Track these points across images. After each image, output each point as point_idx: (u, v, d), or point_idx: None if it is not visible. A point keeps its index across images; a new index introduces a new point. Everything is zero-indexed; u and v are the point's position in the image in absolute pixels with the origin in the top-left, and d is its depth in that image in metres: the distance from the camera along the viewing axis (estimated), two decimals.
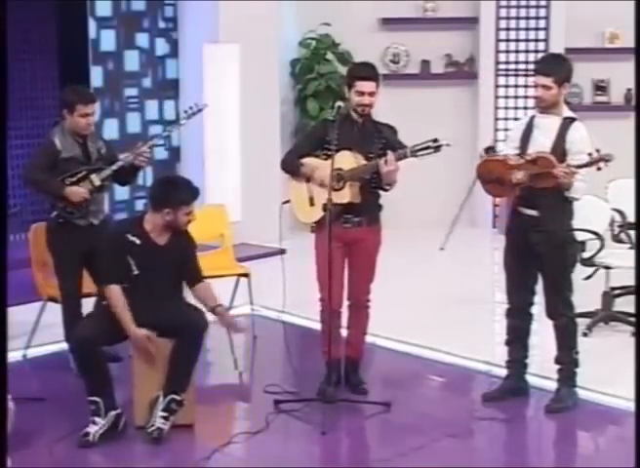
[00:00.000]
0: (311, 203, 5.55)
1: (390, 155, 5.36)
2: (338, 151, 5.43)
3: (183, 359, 5.15)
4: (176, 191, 5.23)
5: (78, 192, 5.82)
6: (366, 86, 5.48)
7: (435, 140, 5.38)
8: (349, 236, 5.55)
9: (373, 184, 5.56)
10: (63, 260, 5.92)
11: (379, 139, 5.54)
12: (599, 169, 5.07)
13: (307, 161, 5.57)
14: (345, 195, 5.47)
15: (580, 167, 5.11)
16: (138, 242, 5.20)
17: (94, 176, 5.85)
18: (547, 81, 5.28)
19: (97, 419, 5.03)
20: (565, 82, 5.32)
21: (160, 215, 5.19)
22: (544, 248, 5.36)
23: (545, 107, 5.36)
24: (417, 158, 5.41)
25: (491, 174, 5.42)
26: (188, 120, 6.21)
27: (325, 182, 5.38)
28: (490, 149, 5.70)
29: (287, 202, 5.68)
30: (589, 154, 5.07)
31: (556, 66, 5.39)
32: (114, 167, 5.87)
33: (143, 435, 5.08)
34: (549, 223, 5.34)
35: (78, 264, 5.89)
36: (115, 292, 5.14)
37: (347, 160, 5.45)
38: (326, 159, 5.46)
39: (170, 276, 5.28)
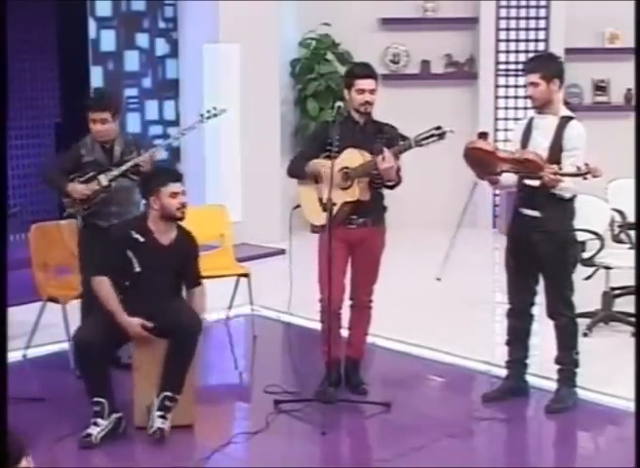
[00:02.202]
0: (322, 204, 5.53)
1: (387, 152, 5.35)
2: (342, 150, 5.43)
3: (177, 360, 5.13)
4: (151, 178, 5.34)
5: (79, 189, 5.85)
6: (366, 83, 5.50)
7: (438, 128, 5.39)
8: (353, 237, 5.55)
9: (378, 183, 5.56)
10: (85, 261, 5.93)
11: (380, 139, 5.54)
12: (585, 179, 5.07)
13: (313, 162, 5.56)
14: (354, 193, 5.46)
15: (566, 175, 5.11)
16: (141, 239, 5.20)
17: (102, 177, 5.88)
18: (535, 78, 5.31)
19: (99, 421, 5.01)
20: (554, 78, 5.33)
21: (151, 207, 5.23)
22: (546, 248, 5.36)
23: (539, 106, 5.37)
24: (422, 146, 5.41)
25: (479, 160, 5.38)
26: (201, 123, 6.25)
27: (334, 182, 5.38)
28: (483, 135, 5.71)
29: (297, 207, 5.67)
30: (578, 168, 5.06)
31: (542, 63, 5.44)
32: (123, 167, 5.88)
33: (146, 435, 5.07)
34: (551, 224, 5.34)
35: None
36: (104, 283, 5.15)
37: (354, 157, 5.45)
38: (329, 159, 5.47)
39: (171, 276, 5.29)
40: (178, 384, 5.14)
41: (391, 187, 5.56)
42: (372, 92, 5.51)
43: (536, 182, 5.30)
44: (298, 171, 5.65)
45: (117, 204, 5.94)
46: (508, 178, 5.43)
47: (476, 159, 5.37)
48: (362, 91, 5.50)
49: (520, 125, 5.62)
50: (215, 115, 6.20)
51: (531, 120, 5.50)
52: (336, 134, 5.45)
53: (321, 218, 5.49)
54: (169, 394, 5.10)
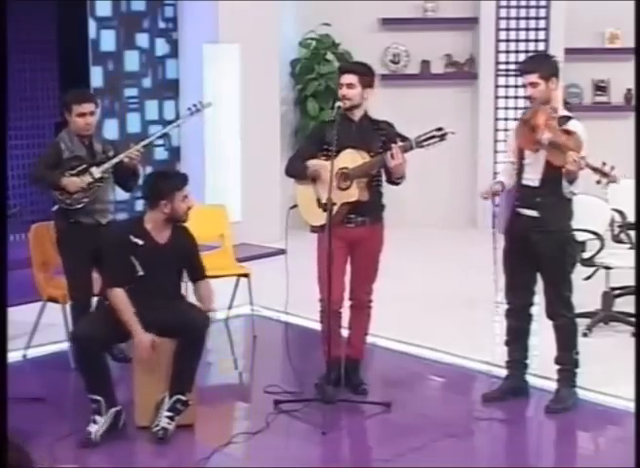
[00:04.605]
0: (319, 205, 5.54)
1: (396, 147, 5.37)
2: (340, 151, 5.44)
3: (187, 359, 5.15)
4: (165, 181, 5.28)
5: (74, 182, 5.86)
6: (343, 78, 5.56)
7: (440, 129, 5.40)
8: (352, 236, 5.54)
9: (376, 182, 5.57)
10: (71, 260, 5.93)
11: (378, 136, 5.56)
12: (598, 182, 5.05)
13: (312, 163, 5.57)
14: (353, 194, 5.47)
15: (589, 166, 5.06)
16: (140, 243, 5.20)
17: (94, 169, 5.90)
18: (533, 77, 5.31)
19: (97, 418, 5.02)
20: (552, 77, 5.34)
21: (159, 210, 5.20)
22: (545, 248, 5.36)
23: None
24: (423, 148, 5.41)
25: (533, 119, 5.28)
26: (191, 116, 6.30)
27: (333, 183, 5.39)
28: None
29: (294, 207, 5.67)
30: (604, 163, 5.03)
31: (540, 63, 5.46)
32: (115, 160, 5.91)
33: (148, 435, 5.08)
34: (550, 224, 5.34)
35: (86, 264, 5.89)
36: (120, 295, 5.12)
37: (351, 158, 5.45)
38: (327, 159, 5.47)
39: (171, 274, 5.29)
40: (189, 383, 5.17)
41: (397, 183, 5.57)
42: (349, 86, 5.53)
43: (535, 182, 5.30)
44: (295, 171, 5.66)
45: (99, 201, 5.97)
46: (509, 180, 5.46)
47: (531, 120, 5.29)
48: (340, 85, 5.56)
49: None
50: (202, 108, 6.24)
51: None
52: (333, 133, 5.47)
53: (318, 219, 5.50)
54: (182, 397, 5.12)
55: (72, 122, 5.91)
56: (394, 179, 5.54)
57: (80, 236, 5.85)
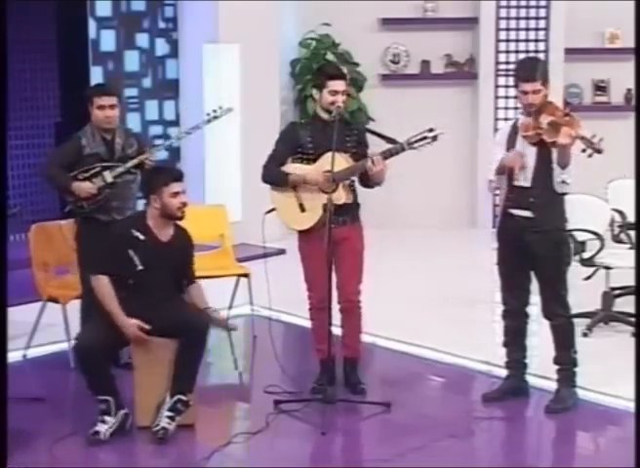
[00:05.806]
0: (302, 209, 5.54)
1: (376, 155, 5.38)
2: (321, 154, 5.44)
3: (188, 359, 5.15)
4: (155, 176, 5.32)
5: (84, 188, 5.84)
6: (339, 85, 5.51)
7: (431, 130, 5.40)
8: (336, 236, 5.46)
9: (353, 182, 5.58)
10: (86, 256, 5.91)
11: (350, 137, 5.56)
12: (584, 151, 5.03)
13: (292, 169, 5.55)
14: (341, 196, 5.46)
15: (581, 136, 5.04)
16: (141, 237, 5.21)
17: (106, 173, 5.89)
18: (537, 85, 5.29)
19: (107, 418, 5.03)
20: (548, 82, 5.35)
21: (151, 205, 5.22)
22: (540, 248, 5.35)
23: (535, 111, 5.35)
24: (415, 149, 5.41)
25: (543, 106, 5.31)
26: (208, 123, 6.27)
27: (321, 187, 5.39)
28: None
29: (271, 211, 5.65)
30: (594, 135, 5.02)
31: (539, 69, 5.41)
32: (129, 164, 5.90)
33: (148, 435, 5.08)
34: (545, 224, 5.34)
35: None
36: (103, 282, 5.14)
37: (337, 161, 5.42)
38: (302, 163, 5.50)
39: (171, 273, 5.30)
40: (190, 383, 5.17)
41: (371, 187, 5.57)
42: (343, 93, 5.52)
43: (527, 183, 5.29)
44: (273, 177, 5.58)
45: (118, 198, 5.95)
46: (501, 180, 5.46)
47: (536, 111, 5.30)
48: (335, 92, 5.50)
49: (505, 128, 5.60)
50: (221, 114, 6.21)
51: (516, 122, 5.47)
52: (307, 135, 5.49)
53: (302, 223, 5.54)
54: (183, 398, 5.13)
55: (94, 115, 5.91)
56: (371, 184, 5.55)
57: (95, 233, 5.83)
